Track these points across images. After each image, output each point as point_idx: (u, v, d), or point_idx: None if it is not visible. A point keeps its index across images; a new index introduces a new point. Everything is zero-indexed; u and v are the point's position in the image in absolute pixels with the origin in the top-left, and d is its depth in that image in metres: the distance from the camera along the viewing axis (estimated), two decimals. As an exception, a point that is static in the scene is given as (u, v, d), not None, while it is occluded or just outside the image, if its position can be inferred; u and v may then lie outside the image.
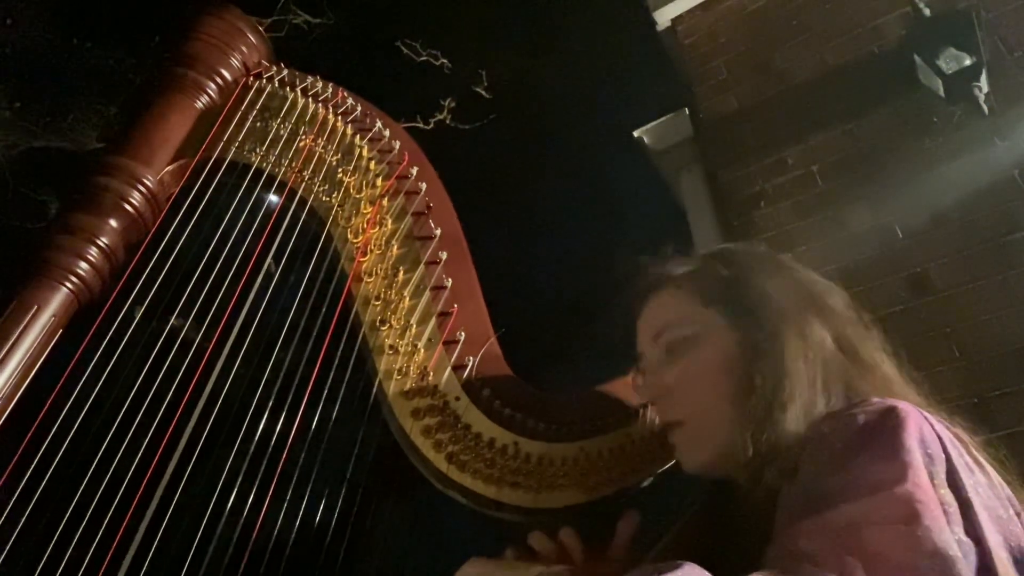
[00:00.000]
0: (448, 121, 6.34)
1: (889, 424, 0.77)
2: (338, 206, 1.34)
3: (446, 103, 6.33)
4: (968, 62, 2.45)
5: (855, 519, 0.70)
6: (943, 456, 0.75)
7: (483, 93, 6.36)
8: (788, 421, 0.86)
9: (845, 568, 0.66)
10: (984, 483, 0.77)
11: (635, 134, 3.54)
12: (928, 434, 0.77)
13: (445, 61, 6.28)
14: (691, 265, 1.07)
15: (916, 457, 0.73)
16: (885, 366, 0.97)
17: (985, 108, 2.47)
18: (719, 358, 0.96)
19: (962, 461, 0.76)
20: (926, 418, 0.79)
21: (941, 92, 2.53)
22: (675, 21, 3.47)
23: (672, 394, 1.00)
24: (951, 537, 0.68)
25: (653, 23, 3.54)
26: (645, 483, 1.09)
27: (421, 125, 6.09)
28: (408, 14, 6.15)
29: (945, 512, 0.70)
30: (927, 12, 2.60)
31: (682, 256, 1.10)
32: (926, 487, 0.71)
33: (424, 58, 6.23)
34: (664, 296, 1.06)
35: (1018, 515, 0.77)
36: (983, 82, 2.46)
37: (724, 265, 1.04)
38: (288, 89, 1.48)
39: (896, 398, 0.86)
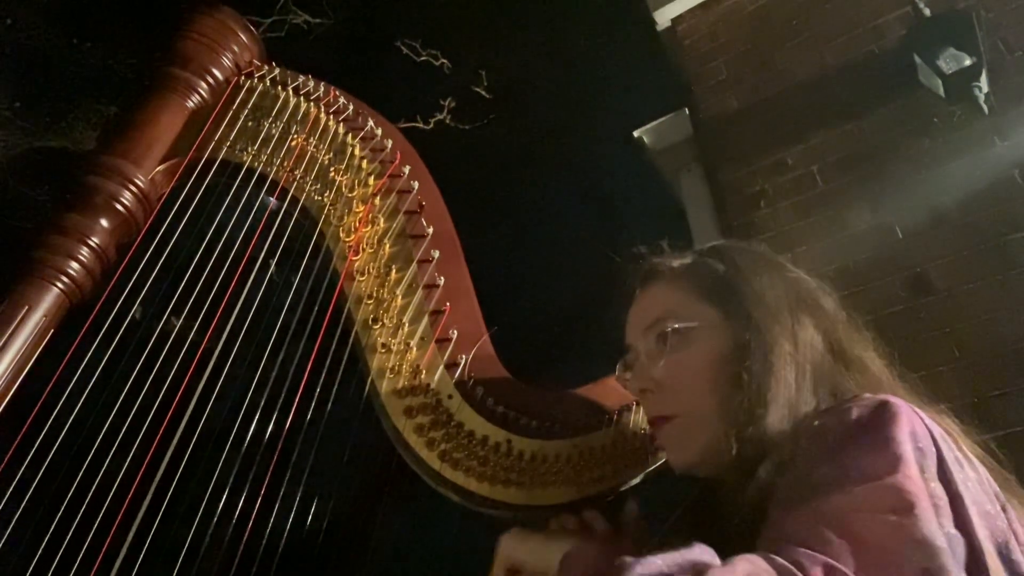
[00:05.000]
0: (448, 121, 6.34)
1: (881, 418, 0.78)
2: (330, 205, 1.34)
3: (446, 103, 6.33)
4: (968, 62, 2.45)
5: (844, 507, 0.71)
6: (934, 450, 0.76)
7: (483, 93, 6.36)
8: (772, 420, 0.86)
9: (830, 549, 0.67)
10: (973, 478, 0.78)
11: (635, 134, 3.53)
12: (919, 428, 0.77)
13: (445, 61, 6.28)
14: (686, 259, 1.07)
15: (907, 449, 0.74)
16: (875, 367, 0.97)
17: (985, 108, 2.46)
18: (711, 354, 0.96)
19: (952, 456, 0.77)
20: (917, 413, 0.80)
21: (941, 92, 2.52)
22: (675, 21, 3.46)
23: (662, 388, 0.99)
24: (938, 528, 0.69)
25: (653, 23, 3.54)
26: (637, 480, 1.09)
27: (421, 125, 6.09)
28: (408, 14, 6.15)
29: (935, 505, 0.71)
30: (927, 12, 2.59)
31: (677, 251, 1.09)
32: (916, 479, 0.72)
33: (424, 58, 6.23)
34: (658, 288, 1.05)
35: (1004, 510, 0.78)
36: (983, 82, 2.45)
37: (720, 261, 1.03)
38: (280, 88, 1.48)
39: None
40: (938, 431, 0.79)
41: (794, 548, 0.69)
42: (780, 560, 0.67)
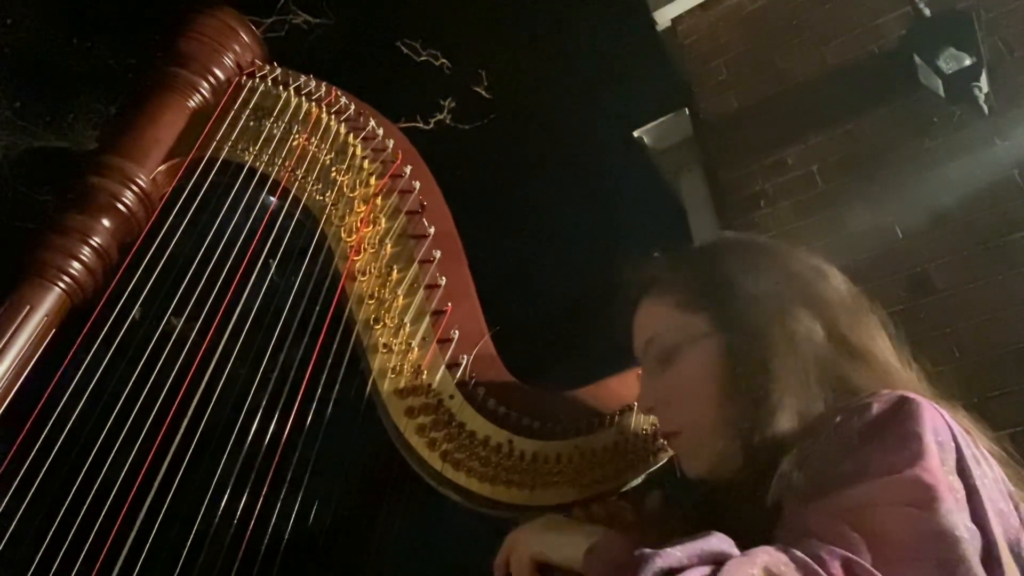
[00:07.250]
0: (448, 121, 6.34)
1: (901, 413, 0.78)
2: (332, 205, 1.33)
3: (446, 103, 6.33)
4: (968, 62, 2.45)
5: (863, 501, 0.71)
6: (953, 445, 0.76)
7: (483, 93, 6.36)
8: (780, 426, 0.85)
9: (849, 544, 0.67)
10: (989, 476, 0.77)
11: (635, 134, 3.53)
12: (939, 423, 0.77)
13: (445, 61, 6.28)
14: (672, 267, 1.05)
15: (928, 444, 0.74)
16: (882, 356, 0.94)
17: (985, 108, 2.46)
18: (704, 366, 0.94)
19: (970, 452, 0.77)
20: (936, 408, 0.80)
21: (941, 92, 2.52)
22: (675, 21, 3.47)
23: (665, 404, 0.98)
24: (959, 518, 0.68)
25: (653, 23, 3.54)
26: (639, 480, 1.09)
27: (421, 125, 6.10)
28: (408, 14, 6.16)
29: (954, 497, 0.71)
30: (927, 12, 2.59)
31: (666, 256, 1.08)
32: (935, 470, 0.72)
33: (424, 58, 6.24)
34: (649, 303, 1.04)
35: (1016, 509, 0.78)
36: (983, 82, 2.45)
37: (704, 264, 1.01)
38: (281, 88, 1.47)
39: (899, 388, 0.85)
40: (957, 427, 0.79)
41: (813, 542, 0.68)
42: (799, 553, 0.67)
